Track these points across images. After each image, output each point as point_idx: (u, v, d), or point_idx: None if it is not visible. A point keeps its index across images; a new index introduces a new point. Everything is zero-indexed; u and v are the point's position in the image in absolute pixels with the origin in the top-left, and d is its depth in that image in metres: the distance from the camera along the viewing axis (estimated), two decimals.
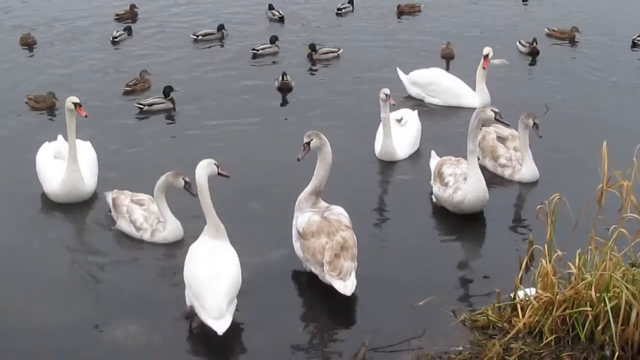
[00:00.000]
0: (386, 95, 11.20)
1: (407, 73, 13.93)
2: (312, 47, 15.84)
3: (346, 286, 8.10)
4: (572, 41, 16.74)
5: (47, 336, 7.79)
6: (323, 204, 8.79)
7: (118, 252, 9.33)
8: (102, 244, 9.49)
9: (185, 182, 9.12)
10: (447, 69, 14.76)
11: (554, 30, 16.96)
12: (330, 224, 8.44)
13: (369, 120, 12.13)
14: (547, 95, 13.73)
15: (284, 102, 13.95)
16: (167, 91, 13.21)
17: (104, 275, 8.85)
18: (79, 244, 9.64)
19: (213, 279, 7.57)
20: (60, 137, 10.87)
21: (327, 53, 15.86)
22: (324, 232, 8.38)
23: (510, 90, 13.97)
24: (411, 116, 12.12)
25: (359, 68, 15.38)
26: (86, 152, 10.55)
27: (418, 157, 11.42)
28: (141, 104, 13.14)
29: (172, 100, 13.22)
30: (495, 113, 9.80)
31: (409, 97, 13.83)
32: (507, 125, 10.32)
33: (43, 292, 8.50)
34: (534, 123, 10.54)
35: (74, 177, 10.05)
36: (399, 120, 11.94)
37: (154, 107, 13.14)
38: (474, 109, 10.01)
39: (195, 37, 16.86)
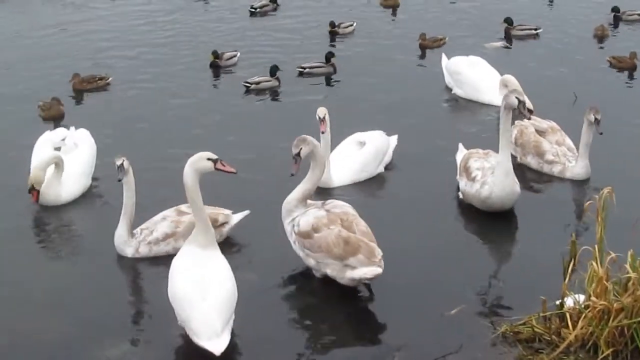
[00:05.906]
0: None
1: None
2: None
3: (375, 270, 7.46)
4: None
5: (34, 355, 7.00)
6: (316, 202, 8.05)
7: (111, 262, 8.42)
8: (95, 252, 8.61)
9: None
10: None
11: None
12: (339, 216, 7.69)
13: None
14: (571, 82, 12.89)
15: None
16: (274, 70, 13.46)
17: (92, 288, 7.98)
18: (70, 251, 8.81)
19: (201, 298, 6.69)
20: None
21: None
22: (336, 223, 7.64)
23: (535, 78, 13.07)
24: (371, 138, 10.35)
25: None
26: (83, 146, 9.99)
27: (441, 152, 10.54)
28: (248, 82, 13.34)
29: (278, 79, 13.46)
30: (520, 102, 8.87)
31: None
32: (527, 118, 9.46)
33: (28, 307, 7.68)
34: (595, 119, 9.58)
35: (51, 191, 9.37)
36: (362, 143, 10.27)
37: (261, 86, 13.33)
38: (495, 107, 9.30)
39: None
